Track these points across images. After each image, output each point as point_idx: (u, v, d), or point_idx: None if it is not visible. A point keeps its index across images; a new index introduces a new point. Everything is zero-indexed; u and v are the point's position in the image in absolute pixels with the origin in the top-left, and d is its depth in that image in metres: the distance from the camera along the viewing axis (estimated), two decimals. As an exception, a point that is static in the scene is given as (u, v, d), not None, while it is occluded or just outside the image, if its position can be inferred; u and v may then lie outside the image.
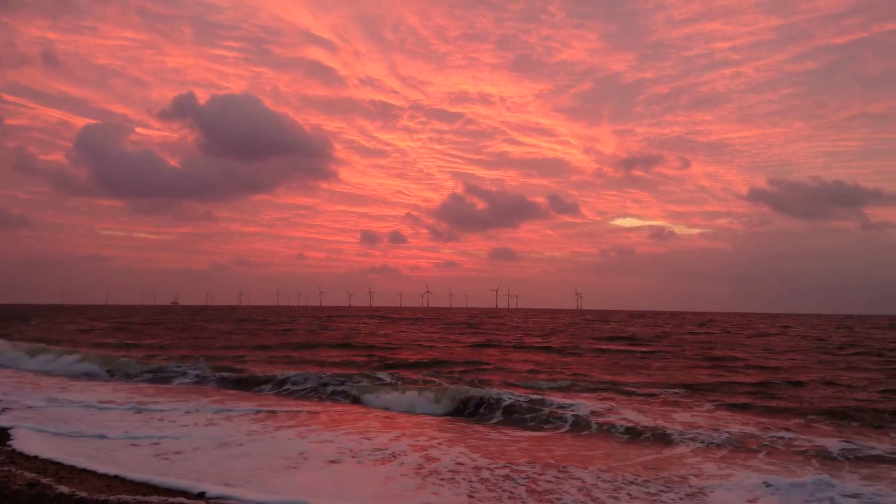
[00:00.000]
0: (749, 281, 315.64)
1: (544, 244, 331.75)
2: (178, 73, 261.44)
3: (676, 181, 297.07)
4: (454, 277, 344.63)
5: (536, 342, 37.95)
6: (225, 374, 19.89)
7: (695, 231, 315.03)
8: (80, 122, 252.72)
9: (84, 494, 7.50)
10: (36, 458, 9.54)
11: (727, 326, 70.40)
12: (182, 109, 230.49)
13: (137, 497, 7.56)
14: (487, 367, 23.40)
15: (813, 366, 25.16)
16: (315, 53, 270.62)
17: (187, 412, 13.76)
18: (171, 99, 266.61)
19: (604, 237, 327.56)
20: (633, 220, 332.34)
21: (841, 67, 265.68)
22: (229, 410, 14.10)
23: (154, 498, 7.58)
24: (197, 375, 19.84)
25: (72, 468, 8.97)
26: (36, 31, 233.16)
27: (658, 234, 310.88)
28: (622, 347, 35.02)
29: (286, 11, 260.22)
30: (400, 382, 17.82)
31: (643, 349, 33.74)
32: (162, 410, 13.94)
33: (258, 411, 14.13)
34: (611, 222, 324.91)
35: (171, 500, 7.56)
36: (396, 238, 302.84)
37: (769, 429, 12.49)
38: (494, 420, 13.72)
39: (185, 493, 7.87)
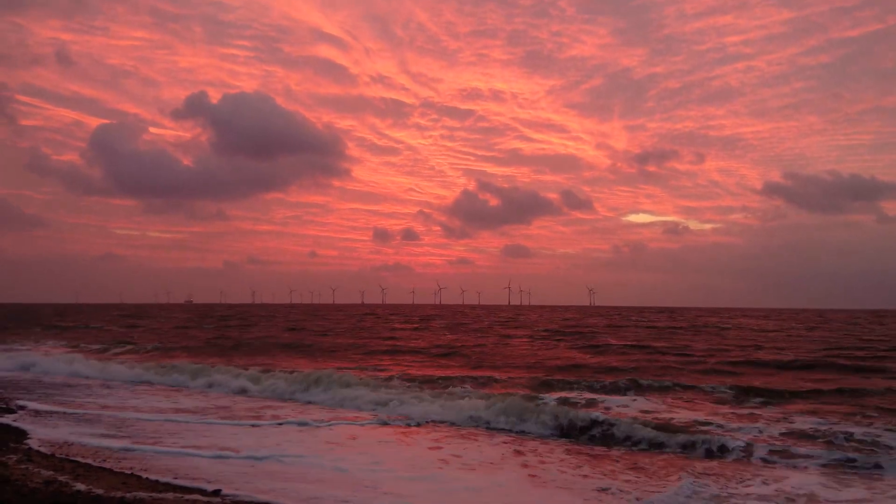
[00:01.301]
0: (764, 276, 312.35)
1: (557, 240, 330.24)
2: (190, 72, 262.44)
3: (689, 176, 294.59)
4: (467, 274, 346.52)
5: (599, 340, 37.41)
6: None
7: (708, 226, 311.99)
8: (94, 122, 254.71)
9: (100, 492, 7.51)
10: (52, 456, 9.61)
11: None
12: (194, 108, 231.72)
13: (153, 494, 7.57)
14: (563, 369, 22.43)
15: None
16: (326, 51, 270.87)
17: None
18: (183, 98, 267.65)
19: (616, 233, 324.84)
20: (646, 215, 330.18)
21: (854, 60, 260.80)
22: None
23: (170, 495, 7.59)
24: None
25: (88, 466, 9.02)
26: (48, 31, 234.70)
27: (671, 229, 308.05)
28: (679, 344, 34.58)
29: (296, 10, 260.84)
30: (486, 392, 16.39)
31: (689, 345, 33.49)
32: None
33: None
34: (623, 218, 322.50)
35: (187, 497, 7.56)
36: (409, 235, 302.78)
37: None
38: (586, 437, 12.22)
39: (201, 491, 7.88)
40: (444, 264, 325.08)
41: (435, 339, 39.05)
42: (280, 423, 13.18)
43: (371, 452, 10.68)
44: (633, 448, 11.29)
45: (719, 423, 12.73)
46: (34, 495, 7.23)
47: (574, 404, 14.67)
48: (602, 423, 12.37)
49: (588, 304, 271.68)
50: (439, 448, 11.11)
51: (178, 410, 14.89)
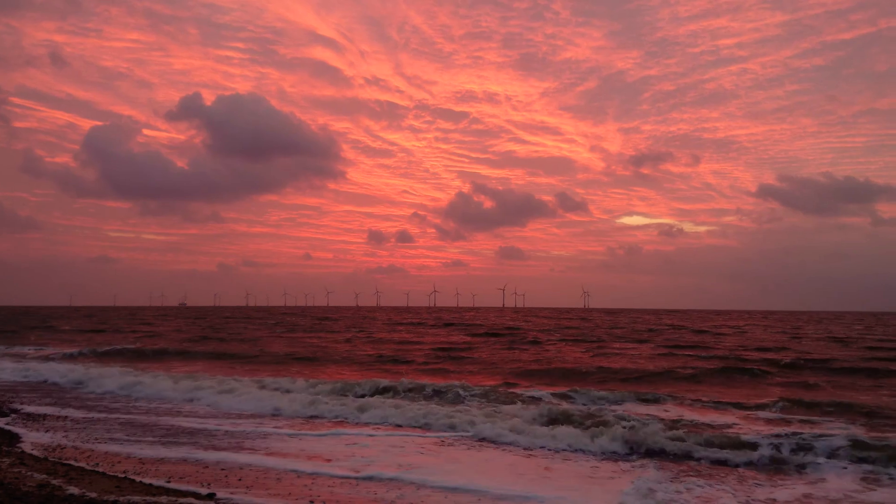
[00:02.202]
0: (758, 279, 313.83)
1: (551, 243, 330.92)
2: (184, 74, 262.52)
3: (683, 179, 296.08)
4: (461, 277, 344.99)
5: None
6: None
7: (702, 229, 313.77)
8: (87, 123, 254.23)
9: (94, 495, 7.48)
10: (46, 459, 9.57)
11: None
12: (188, 110, 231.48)
13: (147, 498, 7.54)
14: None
15: None
16: (320, 53, 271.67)
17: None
18: (177, 100, 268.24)
19: (611, 235, 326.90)
20: (641, 218, 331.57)
21: (848, 63, 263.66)
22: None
23: (164, 498, 7.56)
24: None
25: (81, 469, 8.98)
26: (42, 33, 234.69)
27: (666, 231, 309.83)
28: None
29: (291, 12, 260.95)
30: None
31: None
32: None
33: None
34: (618, 220, 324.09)
35: (181, 500, 7.54)
36: (403, 238, 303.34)
37: None
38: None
39: (195, 494, 7.86)
40: (438, 266, 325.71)
41: (455, 342, 38.23)
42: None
43: (475, 464, 10.11)
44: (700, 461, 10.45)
45: (762, 430, 12.35)
46: (27, 498, 7.20)
47: (627, 418, 13.21)
48: (674, 440, 11.30)
49: (583, 306, 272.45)
50: (530, 459, 10.52)
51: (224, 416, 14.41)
